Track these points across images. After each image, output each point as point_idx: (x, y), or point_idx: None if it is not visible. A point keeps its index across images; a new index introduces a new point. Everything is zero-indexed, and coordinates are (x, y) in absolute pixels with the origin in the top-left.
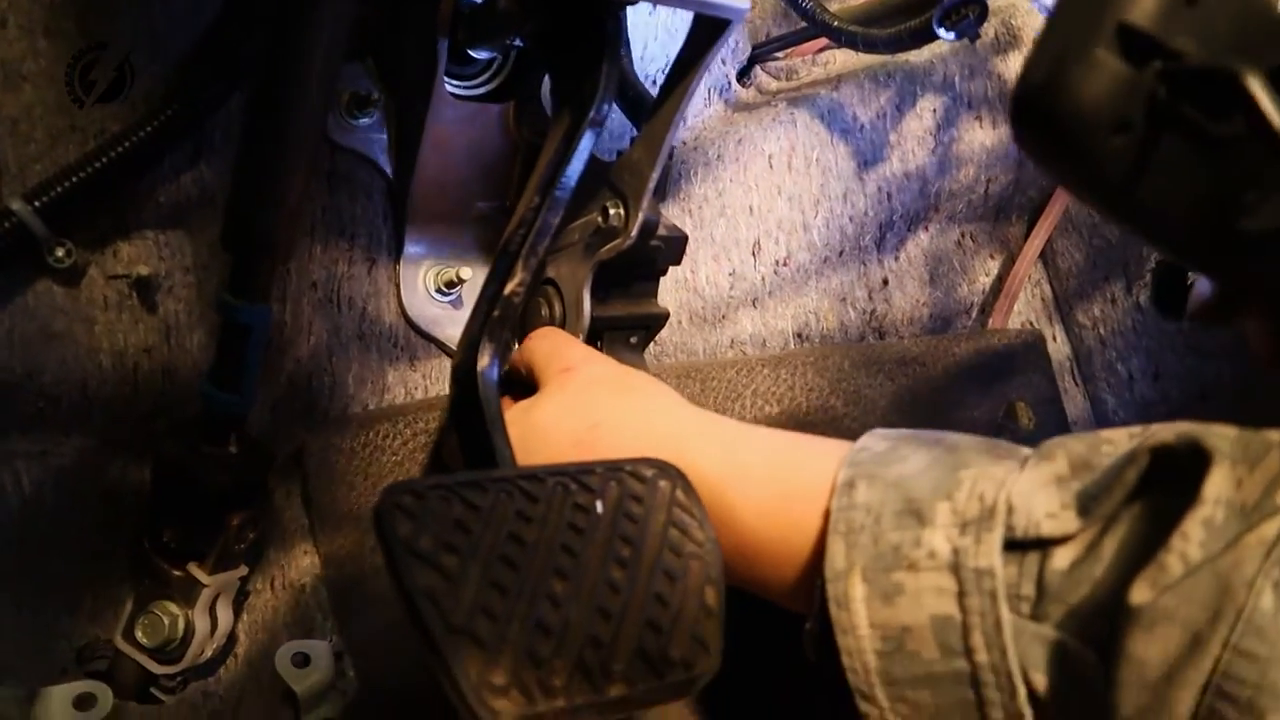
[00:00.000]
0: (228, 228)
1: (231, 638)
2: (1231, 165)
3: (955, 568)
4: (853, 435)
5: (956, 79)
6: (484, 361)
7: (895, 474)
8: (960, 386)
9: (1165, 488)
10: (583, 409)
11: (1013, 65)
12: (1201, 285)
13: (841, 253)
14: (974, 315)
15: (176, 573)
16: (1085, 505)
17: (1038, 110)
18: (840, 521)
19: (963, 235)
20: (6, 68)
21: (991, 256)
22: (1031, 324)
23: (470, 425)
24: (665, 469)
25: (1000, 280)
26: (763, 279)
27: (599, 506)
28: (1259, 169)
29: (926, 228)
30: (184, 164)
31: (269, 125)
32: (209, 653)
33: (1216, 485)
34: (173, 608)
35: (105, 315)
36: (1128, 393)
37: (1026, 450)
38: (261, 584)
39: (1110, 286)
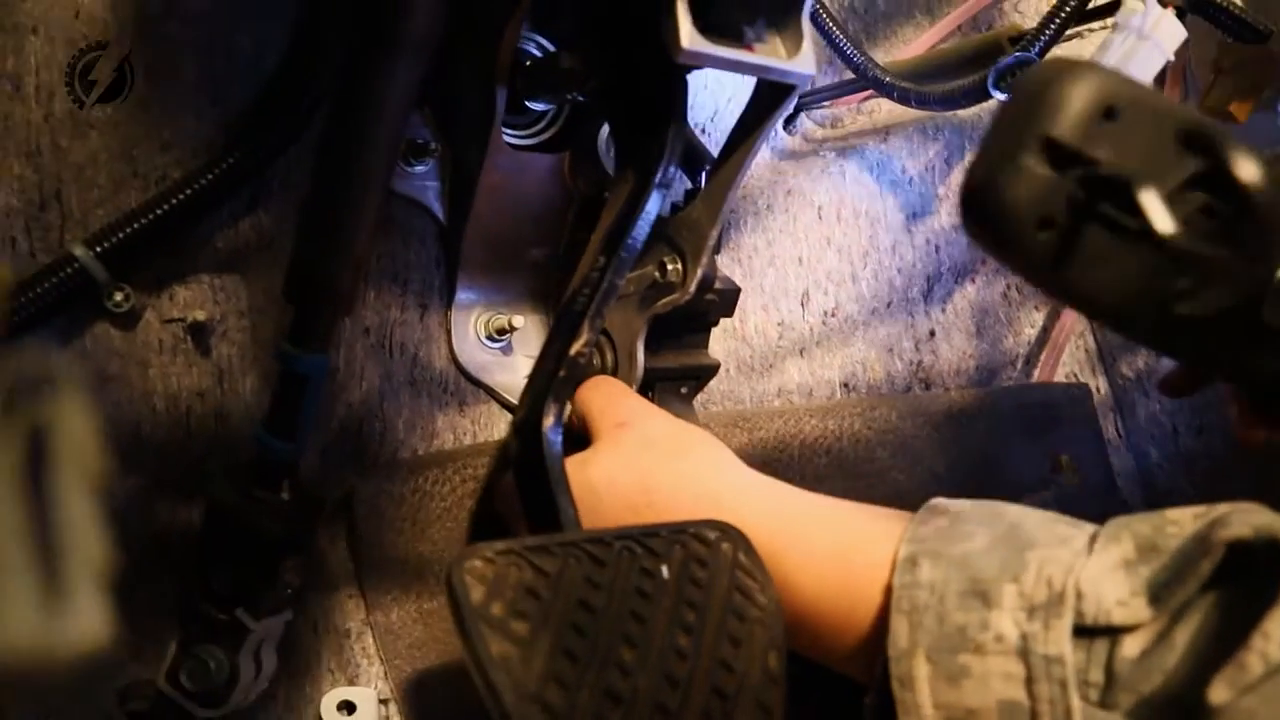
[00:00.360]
0: (292, 278)
1: (275, 683)
2: (1160, 255)
3: (1024, 653)
4: (899, 486)
5: None
6: (549, 421)
7: (959, 552)
8: (1006, 439)
9: (1241, 582)
10: (638, 472)
11: None
12: (1166, 358)
13: (889, 304)
14: (1019, 367)
15: (223, 617)
16: (1156, 594)
17: (976, 207)
18: (904, 599)
19: (1008, 288)
20: (76, 116)
21: (1037, 309)
22: (1076, 376)
23: (534, 484)
24: (727, 531)
25: (1045, 332)
26: (811, 329)
27: (664, 571)
28: (1190, 259)
29: (973, 280)
30: (241, 210)
31: (338, 176)
32: (252, 697)
33: None
34: (218, 652)
35: (160, 359)
36: (1172, 445)
37: (1089, 527)
38: (305, 628)
39: None
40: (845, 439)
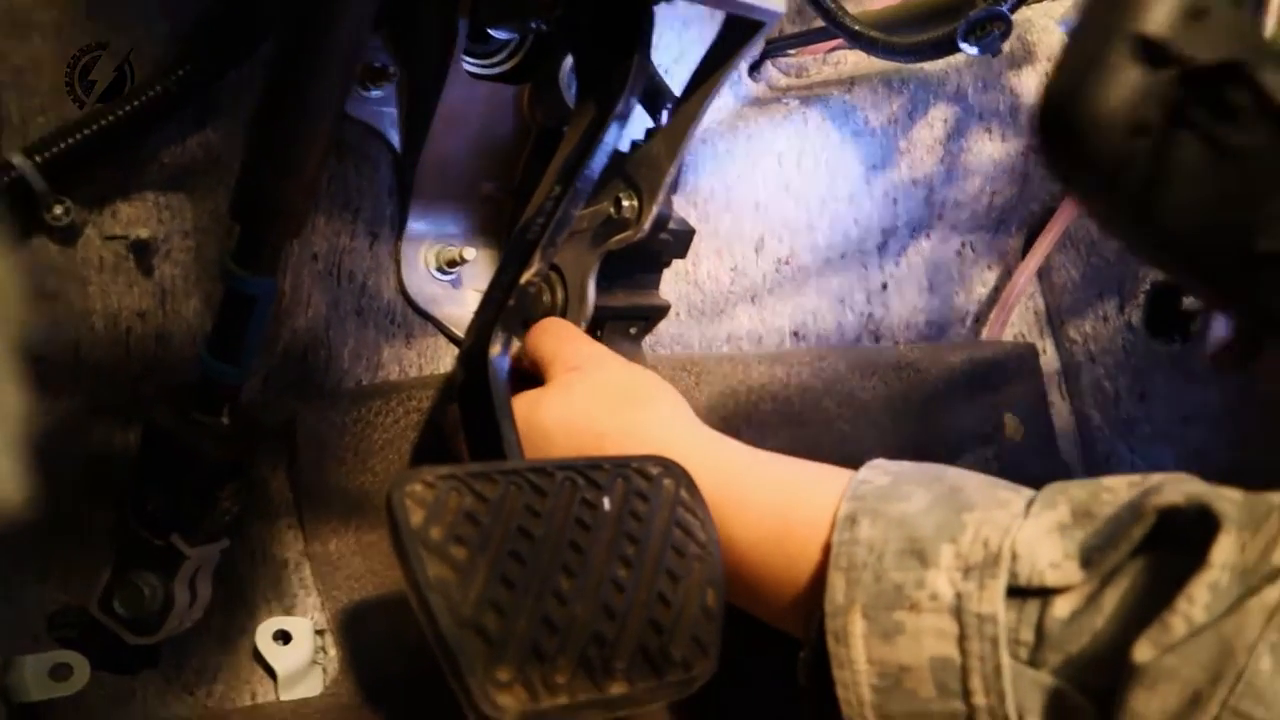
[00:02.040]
0: (239, 197)
1: (210, 611)
2: (1247, 178)
3: (958, 611)
4: (844, 436)
5: (969, 90)
6: (496, 349)
7: (898, 511)
8: (952, 394)
9: (1170, 547)
10: (588, 418)
11: (1026, 80)
12: (1218, 327)
13: (844, 255)
14: (969, 324)
15: (158, 542)
16: (1088, 556)
17: (1059, 117)
18: (842, 556)
19: (963, 245)
20: (15, 14)
21: (990, 268)
22: (1024, 336)
23: (478, 412)
24: (670, 467)
25: (997, 291)
26: (764, 276)
27: (606, 503)
28: (1275, 182)
29: (929, 235)
30: (190, 126)
31: (290, 94)
32: (186, 625)
33: (1224, 551)
34: (152, 578)
35: (100, 276)
36: (1113, 410)
37: (1028, 492)
38: (243, 557)
39: (1104, 305)
40: (793, 387)
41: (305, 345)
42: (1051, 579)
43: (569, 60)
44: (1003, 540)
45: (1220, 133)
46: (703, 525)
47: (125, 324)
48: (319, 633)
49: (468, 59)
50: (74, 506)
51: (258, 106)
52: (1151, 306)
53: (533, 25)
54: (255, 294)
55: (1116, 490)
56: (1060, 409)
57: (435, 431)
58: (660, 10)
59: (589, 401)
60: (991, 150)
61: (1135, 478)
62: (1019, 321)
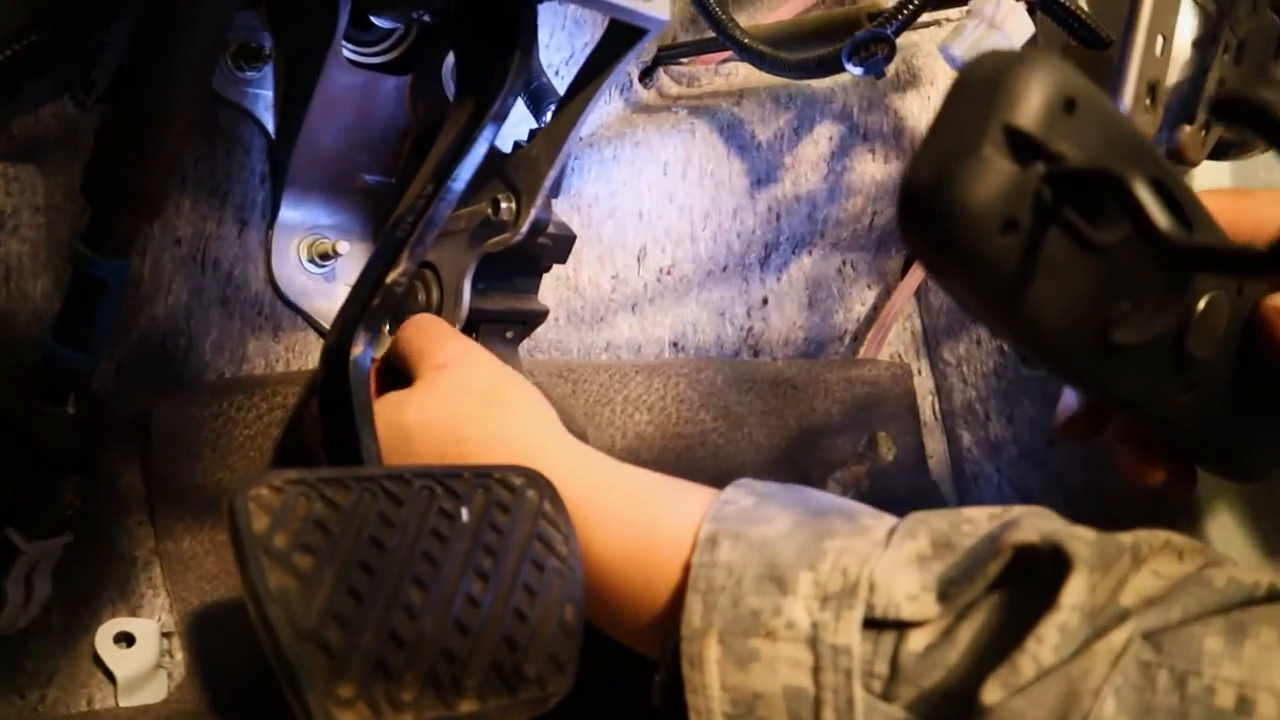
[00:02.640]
0: (91, 174)
1: (49, 609)
2: (1109, 274)
3: (813, 641)
4: (719, 450)
5: (855, 110)
6: (358, 349)
7: (760, 535)
8: (827, 412)
9: (1024, 585)
10: (450, 420)
11: (910, 103)
12: (1068, 400)
13: (725, 268)
14: (846, 343)
15: None
16: (945, 590)
17: (926, 207)
18: (700, 579)
19: (844, 263)
20: None
21: (869, 287)
22: (900, 356)
23: (337, 414)
24: (534, 479)
25: (875, 311)
26: (645, 285)
27: (464, 514)
28: (1134, 279)
29: (810, 252)
30: (44, 95)
31: (150, 67)
32: (21, 624)
33: (1074, 592)
34: None
35: None
36: (982, 431)
37: (890, 520)
38: (88, 553)
39: (976, 328)
40: (669, 398)
41: (164, 334)
42: (908, 612)
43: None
44: (861, 570)
45: (1084, 231)
46: (565, 539)
47: None
48: (166, 635)
49: (349, 45)
50: None
51: (114, 79)
52: None
53: (416, 16)
54: (106, 278)
55: (977, 522)
56: (932, 429)
57: (299, 430)
58: (550, 10)
59: (452, 402)
60: (874, 171)
61: (996, 509)
62: (895, 341)
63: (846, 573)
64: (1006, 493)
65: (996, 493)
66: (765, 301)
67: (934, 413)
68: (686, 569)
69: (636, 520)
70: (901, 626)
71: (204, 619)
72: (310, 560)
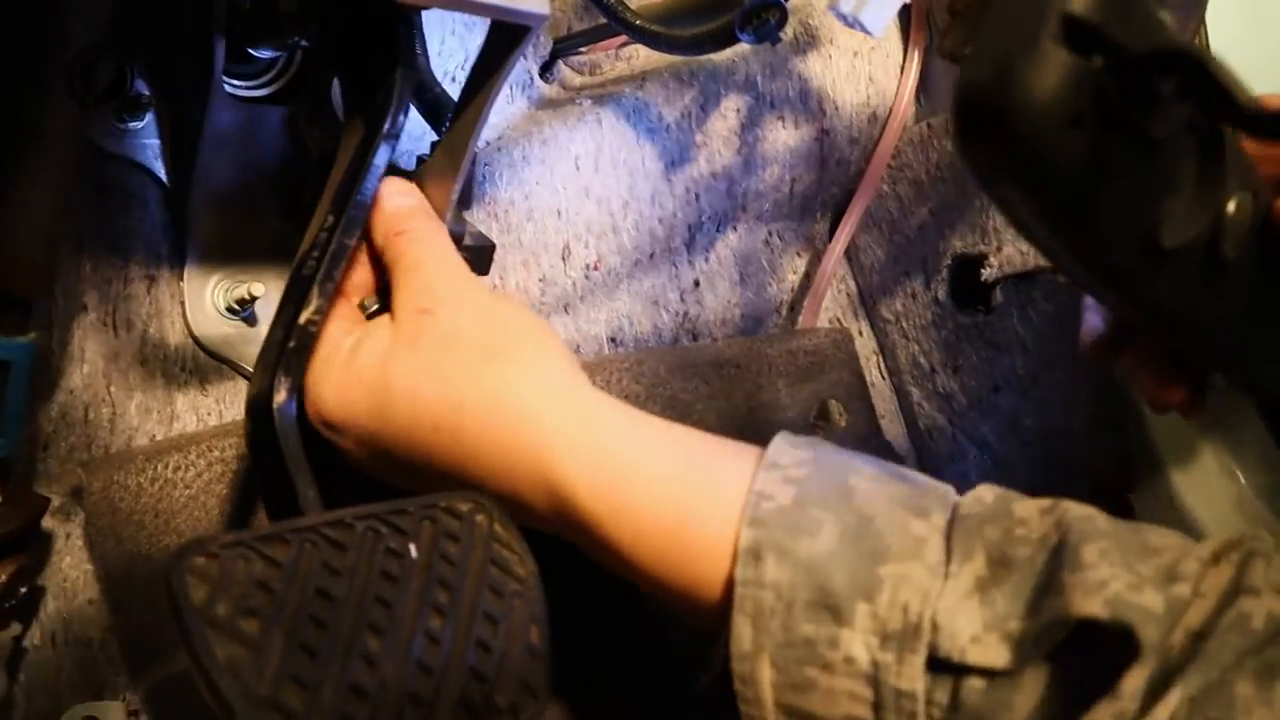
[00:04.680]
0: None
1: (7, 705)
2: (1157, 173)
3: (874, 681)
4: None
5: (759, 78)
6: (281, 396)
7: (806, 551)
8: (774, 387)
9: (1089, 654)
10: (442, 383)
11: (813, 65)
12: (1091, 322)
13: (652, 255)
14: (784, 313)
15: None
16: (1007, 631)
17: (987, 109)
18: (747, 600)
19: (770, 234)
20: None
21: (799, 255)
22: (839, 320)
23: (269, 464)
24: (481, 502)
25: (808, 279)
26: (574, 284)
27: (413, 550)
28: (1174, 178)
29: (735, 228)
30: None
31: (12, 136)
32: None
33: (1135, 680)
34: None
35: None
36: (930, 384)
37: (939, 520)
38: (41, 641)
39: (911, 282)
40: (615, 394)
41: (85, 405)
42: (973, 656)
43: None
44: (923, 609)
45: (1142, 124)
46: (520, 560)
47: None
48: (133, 714)
49: (231, 80)
50: None
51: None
52: (955, 279)
53: (294, 42)
54: (7, 359)
55: (1029, 523)
56: (881, 388)
57: (242, 481)
58: (437, 16)
59: (442, 359)
60: (786, 138)
61: (1044, 503)
62: (833, 305)
63: (907, 611)
64: (961, 443)
65: (951, 444)
66: (697, 284)
67: (880, 372)
68: (730, 581)
69: (670, 523)
70: (964, 670)
71: (169, 691)
72: (256, 624)
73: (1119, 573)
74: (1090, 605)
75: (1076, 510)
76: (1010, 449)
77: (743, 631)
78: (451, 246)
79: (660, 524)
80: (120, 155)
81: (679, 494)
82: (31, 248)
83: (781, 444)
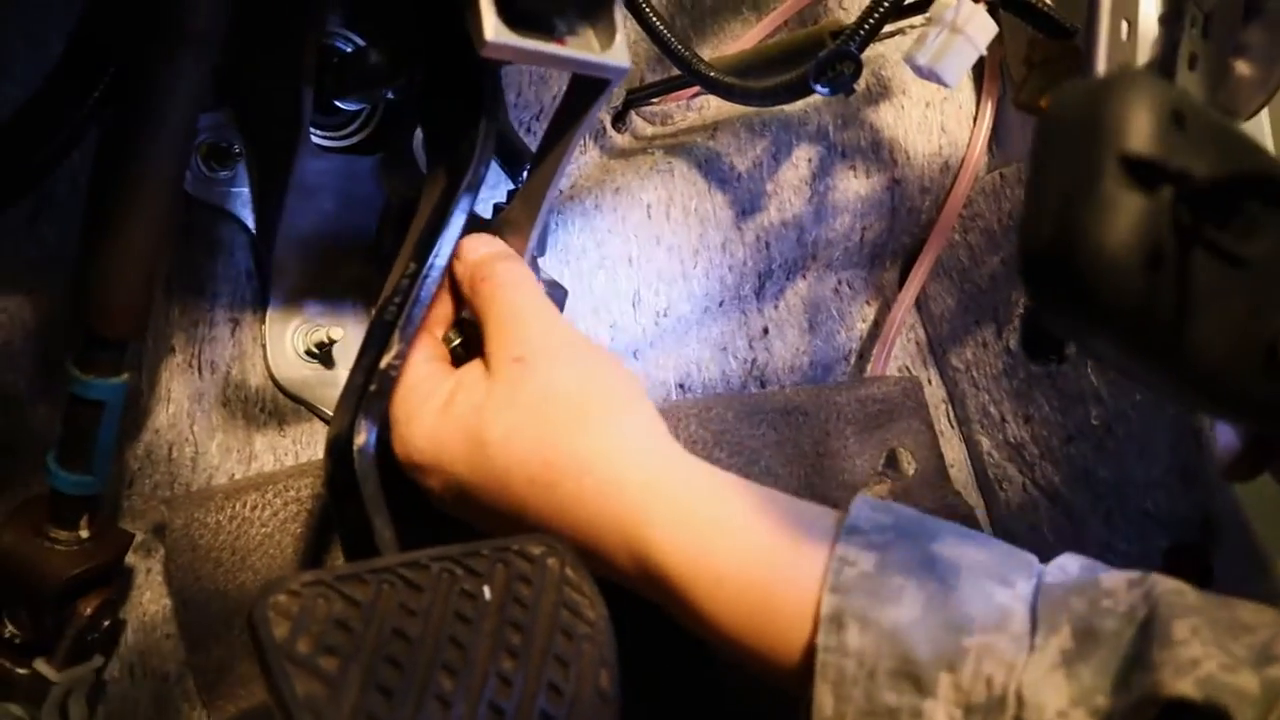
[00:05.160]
0: (74, 296)
1: None
2: (1260, 288)
3: None
4: None
5: (830, 129)
6: (361, 439)
7: (890, 620)
8: (842, 435)
9: None
10: (536, 440)
11: (884, 115)
12: (1225, 439)
13: (721, 302)
14: (852, 361)
15: (20, 671)
16: (1094, 707)
17: (1056, 265)
18: (829, 668)
19: (839, 283)
20: None
21: (868, 303)
22: (908, 369)
23: (349, 505)
24: (554, 545)
25: (877, 326)
26: (643, 330)
27: (486, 592)
28: None
29: (804, 276)
30: (21, 222)
31: (120, 184)
32: None
33: None
34: (15, 710)
35: None
36: (1000, 434)
37: (1023, 589)
38: (120, 674)
39: (981, 331)
40: (683, 440)
41: (169, 444)
42: None
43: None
44: (1008, 682)
45: (1230, 246)
46: (590, 603)
47: None
48: None
49: (317, 131)
50: None
51: (88, 197)
52: (1027, 329)
53: (380, 95)
54: (102, 399)
55: (1116, 595)
56: (950, 437)
57: (318, 520)
58: (512, 68)
59: (537, 415)
60: (857, 186)
61: (1133, 574)
62: (901, 354)
63: (991, 684)
64: (1032, 494)
65: (1021, 494)
66: (766, 331)
67: (949, 421)
68: (811, 647)
69: (752, 585)
70: None
71: None
72: (335, 662)
73: (1211, 651)
74: (1182, 685)
75: (1166, 584)
76: (1083, 501)
77: (824, 699)
78: (540, 290)
79: (744, 588)
80: (209, 203)
81: (763, 558)
82: (130, 292)
83: (862, 508)
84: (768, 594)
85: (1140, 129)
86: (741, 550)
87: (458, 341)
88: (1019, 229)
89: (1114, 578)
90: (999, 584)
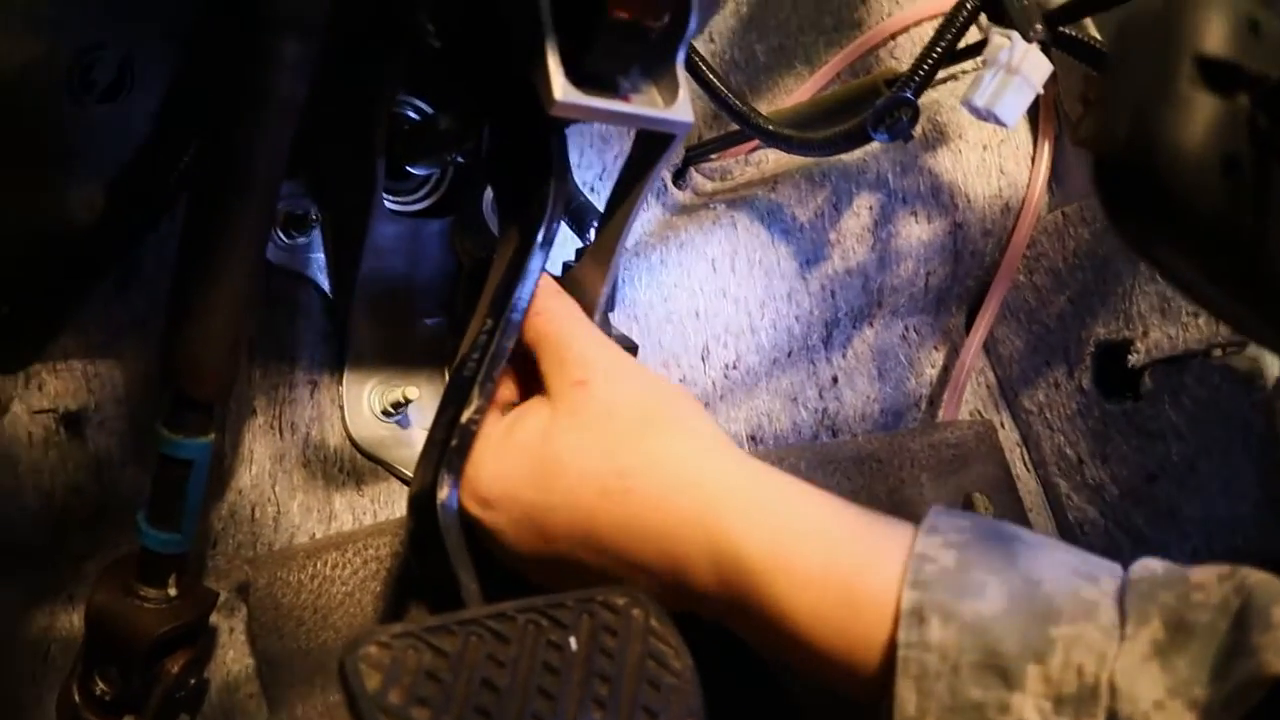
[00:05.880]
0: (164, 360)
1: None
2: None
3: None
4: None
5: (889, 176)
6: (444, 493)
7: (972, 612)
8: (917, 482)
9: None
10: (606, 450)
11: (943, 160)
12: None
13: (790, 353)
14: (923, 407)
15: None
16: (1193, 698)
17: (1132, 169)
18: (911, 663)
19: (907, 329)
20: None
21: (936, 348)
22: (980, 413)
23: (433, 559)
24: (637, 597)
25: (946, 371)
26: (713, 383)
27: (573, 643)
28: None
29: (871, 323)
30: (112, 291)
31: (206, 252)
32: None
33: None
34: None
35: (30, 454)
36: (1078, 476)
37: (1109, 584)
38: None
39: (1053, 371)
40: None
41: (252, 504)
42: None
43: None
44: (1099, 671)
45: None
46: (676, 653)
47: (60, 501)
48: None
49: (389, 197)
50: (20, 696)
51: (175, 267)
52: (1099, 367)
53: (450, 159)
54: (190, 458)
55: (1208, 588)
56: (1026, 481)
57: (397, 578)
58: (576, 130)
59: (602, 427)
60: (920, 232)
61: (1223, 569)
62: (973, 398)
63: (1083, 673)
64: (1115, 536)
65: (1104, 537)
66: (835, 380)
67: (1025, 464)
68: (892, 644)
69: (832, 579)
70: None
71: None
72: (427, 713)
73: None
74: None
75: (1257, 575)
76: (1169, 541)
77: (907, 696)
78: (590, 322)
79: (825, 586)
80: (287, 268)
81: (844, 556)
82: (216, 355)
83: (940, 512)
84: (849, 591)
85: (1216, 31)
86: (822, 548)
87: None
88: (1095, 135)
89: (1203, 572)
90: (1084, 580)
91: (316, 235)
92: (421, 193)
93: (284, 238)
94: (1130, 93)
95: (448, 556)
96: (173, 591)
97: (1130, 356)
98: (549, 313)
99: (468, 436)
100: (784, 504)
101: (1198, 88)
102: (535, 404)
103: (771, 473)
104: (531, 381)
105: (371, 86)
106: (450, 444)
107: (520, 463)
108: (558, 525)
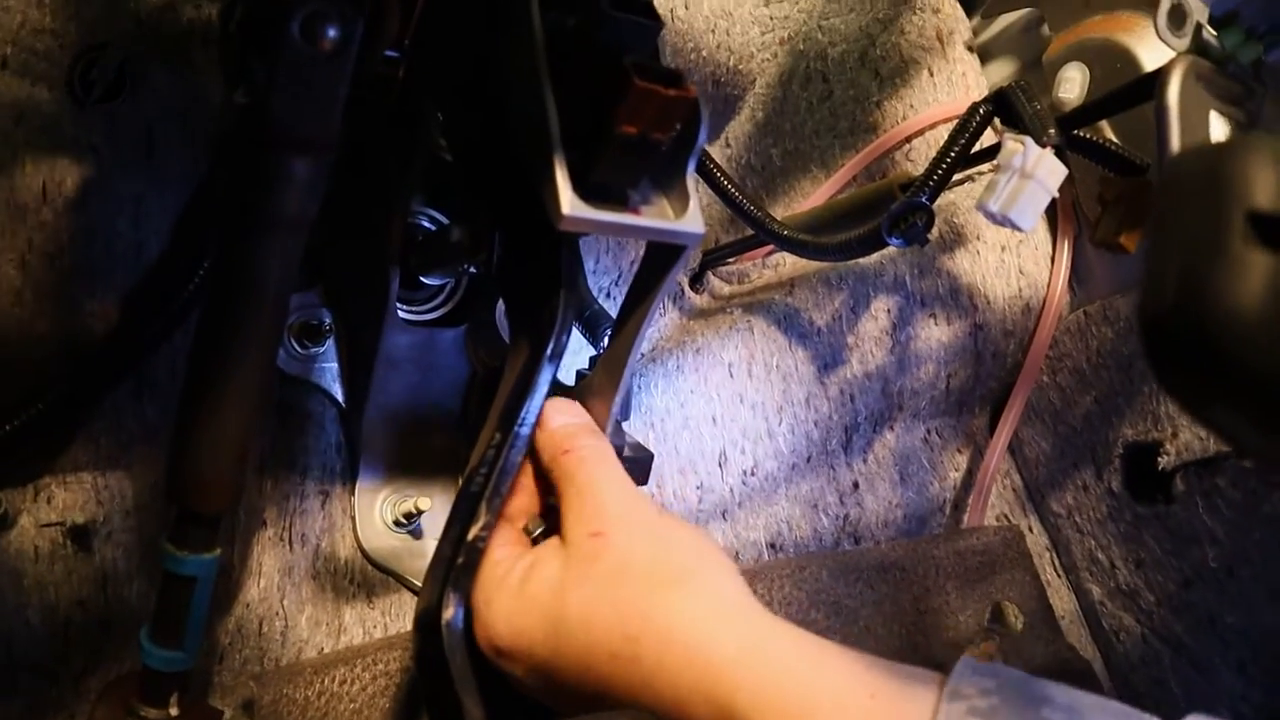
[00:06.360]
0: (169, 474)
1: None
2: None
3: None
4: None
5: (907, 278)
6: (449, 613)
7: None
8: (943, 590)
9: None
10: (619, 609)
11: (960, 261)
12: None
13: (809, 458)
14: (948, 512)
15: None
16: None
17: (1182, 330)
18: None
19: (929, 432)
20: None
21: (959, 451)
22: (1006, 517)
23: (438, 680)
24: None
25: (971, 475)
26: (731, 490)
27: None
28: None
29: (892, 427)
30: (125, 402)
31: (213, 362)
32: None
33: None
34: None
35: (35, 568)
36: (1111, 582)
37: None
38: None
39: (1081, 474)
40: (776, 602)
41: (260, 617)
42: None
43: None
44: None
45: None
46: None
47: (65, 615)
48: None
49: (403, 306)
50: None
51: (182, 380)
52: (1129, 469)
53: (462, 269)
54: (194, 574)
55: None
56: (1057, 587)
57: (407, 693)
58: (590, 236)
59: (614, 585)
60: (939, 334)
61: None
62: (999, 502)
63: None
64: (1153, 644)
65: (1142, 646)
66: (856, 485)
67: (1055, 570)
68: None
69: None
70: None
71: None
72: None
73: None
74: None
75: None
76: (1210, 650)
77: None
78: (619, 466)
79: None
80: (300, 378)
81: None
82: (222, 469)
83: (964, 671)
84: None
85: (1268, 185)
86: (838, 718)
87: (539, 531)
88: (1140, 294)
89: None
90: None
91: (330, 345)
92: (435, 302)
93: (298, 347)
94: (1178, 252)
95: (452, 681)
96: (174, 711)
97: (1160, 458)
98: (577, 453)
99: (475, 554)
100: (797, 677)
101: (1252, 245)
102: (551, 550)
103: (785, 636)
104: (551, 489)
105: (385, 198)
106: (457, 561)
107: (533, 618)
108: (569, 682)
